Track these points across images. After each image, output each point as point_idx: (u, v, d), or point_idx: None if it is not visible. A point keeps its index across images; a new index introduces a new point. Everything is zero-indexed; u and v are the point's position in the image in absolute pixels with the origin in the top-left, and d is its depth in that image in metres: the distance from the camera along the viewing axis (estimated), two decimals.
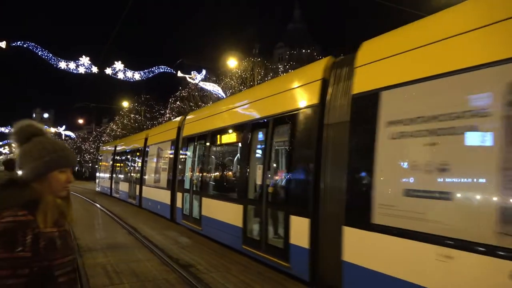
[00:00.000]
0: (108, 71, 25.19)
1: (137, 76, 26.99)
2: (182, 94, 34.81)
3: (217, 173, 9.40)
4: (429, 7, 20.12)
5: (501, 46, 3.17)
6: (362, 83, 4.54)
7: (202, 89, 29.99)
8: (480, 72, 3.23)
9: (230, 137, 8.60)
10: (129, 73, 26.51)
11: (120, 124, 45.72)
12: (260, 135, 7.11)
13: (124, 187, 18.33)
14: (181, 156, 11.06)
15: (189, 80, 24.79)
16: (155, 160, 13.95)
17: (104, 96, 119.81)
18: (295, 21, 54.34)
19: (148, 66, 28.47)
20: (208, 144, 9.28)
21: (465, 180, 3.32)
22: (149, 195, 14.09)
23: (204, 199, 9.03)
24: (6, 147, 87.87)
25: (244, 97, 8.72)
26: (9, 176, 1.70)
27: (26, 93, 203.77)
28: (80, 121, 61.81)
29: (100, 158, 26.85)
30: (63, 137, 61.51)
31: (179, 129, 11.61)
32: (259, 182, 6.68)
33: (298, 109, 5.83)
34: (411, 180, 3.72)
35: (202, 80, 25.29)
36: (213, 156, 9.50)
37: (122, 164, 20.11)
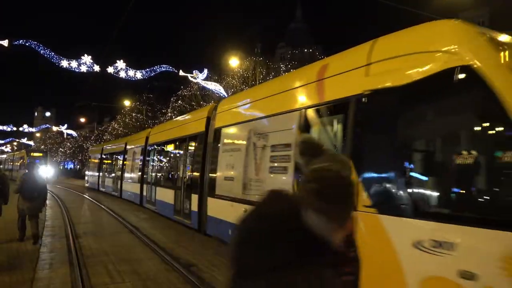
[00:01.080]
0: (110, 69, 25.11)
1: (138, 75, 26.95)
2: (183, 93, 34.79)
3: (160, 171, 14.08)
4: (430, 6, 20.06)
5: (266, 109, 6.79)
6: (217, 122, 8.83)
7: (204, 88, 29.97)
8: (245, 125, 7.38)
9: (159, 150, 14.35)
10: (131, 72, 26.44)
11: (121, 123, 45.70)
12: (178, 148, 12.16)
13: (108, 182, 22.36)
14: (147, 158, 15.33)
15: (190, 79, 24.75)
16: (131, 161, 17.83)
17: (106, 94, 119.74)
18: (296, 21, 54.26)
19: (150, 65, 28.46)
20: (151, 151, 14.91)
21: (241, 172, 7.02)
22: (127, 188, 18.18)
23: (157, 188, 13.47)
24: (8, 145, 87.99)
25: (172, 125, 14.02)
26: None
27: (28, 91, 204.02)
28: (82, 119, 61.91)
29: (89, 158, 32.26)
30: (65, 135, 61.60)
31: (147, 139, 15.53)
32: (180, 176, 11.34)
33: (197, 133, 10.14)
34: (227, 172, 7.77)
35: (204, 79, 25.24)
36: (157, 159, 14.44)
37: (107, 164, 23.97)
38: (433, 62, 3.54)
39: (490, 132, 3.31)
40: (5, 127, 57.52)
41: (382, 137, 4.04)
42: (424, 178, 3.73)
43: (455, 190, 3.53)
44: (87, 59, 23.49)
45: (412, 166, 3.76)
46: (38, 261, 6.62)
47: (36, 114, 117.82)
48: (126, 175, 18.32)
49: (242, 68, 29.69)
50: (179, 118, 16.28)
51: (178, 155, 12.09)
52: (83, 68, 23.41)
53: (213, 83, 26.71)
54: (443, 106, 3.63)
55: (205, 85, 26.29)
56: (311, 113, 5.26)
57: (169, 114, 36.36)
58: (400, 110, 3.93)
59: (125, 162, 18.77)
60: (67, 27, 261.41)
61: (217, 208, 8.13)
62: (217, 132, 8.57)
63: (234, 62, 26.56)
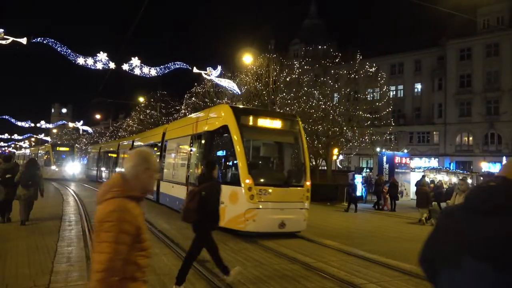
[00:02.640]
0: (125, 67, 25.33)
1: (153, 72, 27.10)
2: (197, 90, 34.94)
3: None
4: (449, 2, 19.62)
5: (179, 133, 14.19)
6: (166, 136, 15.77)
7: (217, 85, 30.03)
8: (173, 139, 15.04)
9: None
10: (146, 69, 26.59)
11: (136, 120, 46.21)
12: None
13: (105, 174, 28.11)
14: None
15: (204, 76, 24.79)
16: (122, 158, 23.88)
17: (121, 91, 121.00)
18: (311, 17, 53.81)
19: (164, 62, 28.59)
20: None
21: (172, 166, 14.70)
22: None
23: None
24: (26, 141, 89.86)
25: (145, 135, 22.66)
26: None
27: (46, 88, 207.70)
28: (97, 116, 62.76)
29: (90, 154, 36.24)
30: (81, 131, 62.60)
31: (132, 142, 22.55)
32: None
33: (158, 141, 16.77)
34: (167, 166, 15.08)
35: (218, 76, 25.27)
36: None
37: (105, 160, 29.45)
38: (218, 121, 10.34)
39: (227, 148, 10.08)
40: (23, 123, 58.72)
41: (212, 148, 10.79)
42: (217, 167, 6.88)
43: (220, 173, 9.16)
44: (102, 56, 23.67)
45: (221, 161, 10.36)
46: (56, 255, 6.76)
47: (53, 110, 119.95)
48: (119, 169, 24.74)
49: (255, 65, 29.65)
50: (147, 132, 26.23)
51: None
52: (99, 65, 23.60)
53: (226, 80, 26.71)
54: (220, 138, 10.49)
55: (218, 82, 26.31)
56: (193, 137, 12.27)
57: (183, 111, 36.60)
58: (212, 138, 10.64)
59: (118, 159, 25.44)
60: (83, 26, 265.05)
61: (164, 187, 14.74)
62: (165, 142, 15.79)
63: (247, 59, 26.56)
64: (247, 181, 8.90)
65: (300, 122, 10.94)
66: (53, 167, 32.03)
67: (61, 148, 35.51)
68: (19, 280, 5.43)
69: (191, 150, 12.32)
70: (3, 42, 18.99)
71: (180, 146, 13.83)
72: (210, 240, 5.52)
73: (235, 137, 9.34)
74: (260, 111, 13.09)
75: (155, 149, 16.55)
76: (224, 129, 9.84)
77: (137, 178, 2.12)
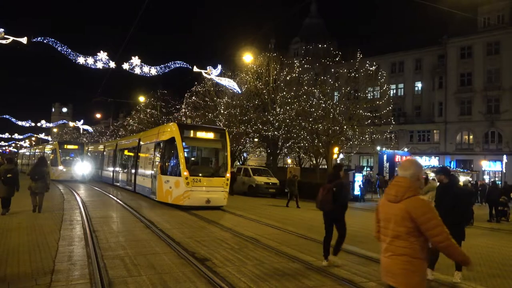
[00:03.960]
0: (125, 66, 25.30)
1: (153, 71, 27.06)
2: (197, 89, 34.93)
3: (120, 165, 24.19)
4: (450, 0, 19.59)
5: (148, 139, 18.63)
6: (141, 141, 19.76)
7: (217, 84, 30.02)
8: (146, 144, 18.86)
9: (121, 153, 24.57)
10: (146, 68, 26.56)
11: (137, 119, 46.22)
12: (130, 152, 22.26)
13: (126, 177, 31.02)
14: (116, 157, 25.28)
15: (204, 75, 24.77)
16: (107, 158, 28.31)
17: (121, 90, 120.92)
18: (311, 16, 53.77)
19: (164, 61, 28.52)
20: (117, 153, 24.99)
21: (143, 164, 18.68)
22: (106, 174, 27.71)
23: (120, 173, 23.72)
24: (27, 140, 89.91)
25: (128, 139, 25.85)
26: None
27: (46, 88, 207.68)
28: (98, 115, 62.78)
29: (104, 151, 35.09)
30: (81, 131, 62.63)
31: (116, 145, 26.06)
32: (129, 166, 21.95)
33: (135, 145, 20.51)
34: (142, 164, 19.19)
35: (218, 75, 25.25)
36: (120, 158, 24.45)
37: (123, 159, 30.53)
38: (169, 134, 15.08)
39: (174, 152, 14.54)
40: (24, 123, 58.76)
41: (166, 151, 15.28)
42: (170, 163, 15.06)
43: (170, 168, 14.92)
44: (103, 55, 23.63)
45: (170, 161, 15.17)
46: (57, 254, 6.78)
47: (53, 109, 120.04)
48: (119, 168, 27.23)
49: (256, 64, 29.65)
50: (130, 137, 29.08)
51: (130, 156, 22.14)
52: (99, 65, 23.55)
53: (227, 79, 26.69)
54: (171, 145, 14.75)
55: (219, 81, 26.29)
56: (156, 143, 16.65)
57: (183, 110, 36.60)
58: (166, 145, 15.20)
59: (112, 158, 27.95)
60: (83, 25, 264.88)
61: (139, 180, 18.79)
62: (140, 146, 19.46)
63: (248, 58, 26.56)
64: (185, 173, 13.66)
65: (227, 134, 15.90)
66: (60, 167, 28.55)
67: (69, 146, 31.63)
68: (20, 278, 5.44)
69: (155, 152, 16.74)
70: (4, 41, 18.97)
71: (149, 149, 18.07)
72: (329, 225, 7.06)
73: (178, 145, 14.17)
74: (198, 126, 17.09)
75: (134, 150, 21.05)
76: (172, 139, 14.59)
77: (418, 180, 2.95)
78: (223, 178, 14.51)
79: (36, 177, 11.57)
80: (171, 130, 15.09)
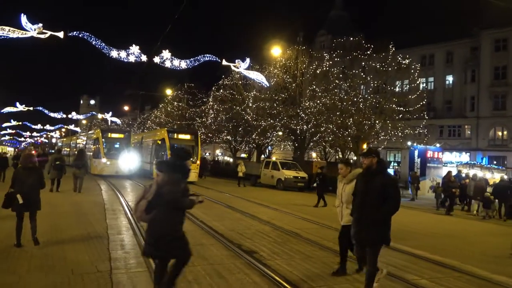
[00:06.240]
0: (156, 59, 25.63)
1: (183, 64, 27.31)
2: (225, 82, 35.11)
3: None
4: None
5: (150, 138, 27.91)
6: (143, 138, 30.48)
7: (245, 77, 30.09)
8: (148, 140, 28.41)
9: (139, 145, 30.68)
10: (176, 62, 26.83)
11: (164, 111, 46.94)
12: (140, 145, 30.20)
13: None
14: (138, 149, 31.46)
15: (233, 68, 24.86)
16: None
17: (148, 83, 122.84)
18: (336, 8, 52.93)
19: (192, 54, 28.63)
20: (138, 145, 31.23)
21: (147, 155, 27.67)
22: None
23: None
24: (57, 131, 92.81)
25: (142, 135, 34.92)
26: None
27: (75, 80, 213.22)
28: (126, 107, 64.09)
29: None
30: (109, 122, 64.11)
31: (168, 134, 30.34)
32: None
33: (138, 141, 30.82)
34: (144, 154, 28.61)
35: (246, 69, 25.29)
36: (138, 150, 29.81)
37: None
38: (161, 136, 24.36)
39: (164, 148, 22.94)
40: (56, 114, 60.66)
41: (159, 148, 24.21)
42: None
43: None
44: (135, 49, 24.02)
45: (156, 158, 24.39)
46: (109, 242, 7.04)
47: (81, 102, 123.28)
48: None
49: (284, 57, 29.52)
50: (141, 133, 38.67)
51: (146, 148, 28.10)
52: (132, 58, 23.97)
53: (255, 72, 26.70)
54: (162, 143, 23.46)
55: (247, 74, 26.33)
56: (153, 141, 25.79)
57: (211, 103, 36.90)
58: (159, 143, 24.10)
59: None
60: (117, 19, 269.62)
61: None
62: (142, 142, 28.93)
63: (276, 51, 26.46)
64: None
65: (199, 134, 25.49)
66: (103, 160, 24.52)
67: (114, 135, 27.12)
68: (81, 264, 5.69)
69: (152, 148, 24.73)
70: (42, 36, 19.56)
71: (148, 145, 26.10)
72: None
73: (167, 143, 22.54)
74: (180, 130, 27.58)
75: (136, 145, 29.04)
76: (163, 139, 23.26)
77: None
78: (195, 164, 22.49)
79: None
80: (162, 133, 24.65)
